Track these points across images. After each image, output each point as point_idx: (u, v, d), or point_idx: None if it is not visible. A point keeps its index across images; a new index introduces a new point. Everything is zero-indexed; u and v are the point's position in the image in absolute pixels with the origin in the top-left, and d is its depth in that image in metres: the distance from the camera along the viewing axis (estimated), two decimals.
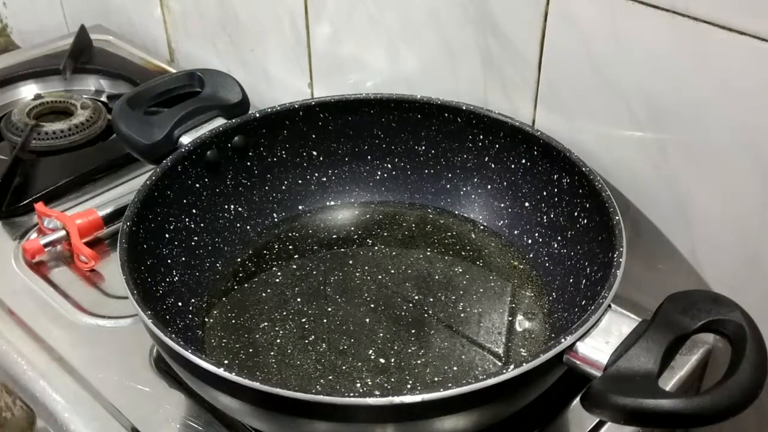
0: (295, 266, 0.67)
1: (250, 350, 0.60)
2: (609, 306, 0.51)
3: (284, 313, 0.63)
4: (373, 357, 0.59)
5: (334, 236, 0.71)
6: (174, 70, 0.96)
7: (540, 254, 0.66)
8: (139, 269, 0.57)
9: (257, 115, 0.70)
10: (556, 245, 0.65)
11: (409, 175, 0.73)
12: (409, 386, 0.56)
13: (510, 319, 0.62)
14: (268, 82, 0.91)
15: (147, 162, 0.69)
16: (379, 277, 0.66)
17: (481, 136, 0.69)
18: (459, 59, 0.71)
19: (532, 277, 0.65)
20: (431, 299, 0.64)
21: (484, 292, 0.64)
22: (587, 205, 0.61)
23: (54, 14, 1.22)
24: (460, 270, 0.66)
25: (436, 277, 0.66)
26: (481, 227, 0.71)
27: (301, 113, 0.71)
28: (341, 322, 0.62)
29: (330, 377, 0.57)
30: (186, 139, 0.68)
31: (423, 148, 0.72)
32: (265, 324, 0.62)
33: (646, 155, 0.61)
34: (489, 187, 0.70)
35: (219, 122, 0.70)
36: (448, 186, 0.72)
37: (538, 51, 0.64)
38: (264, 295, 0.65)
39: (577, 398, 0.50)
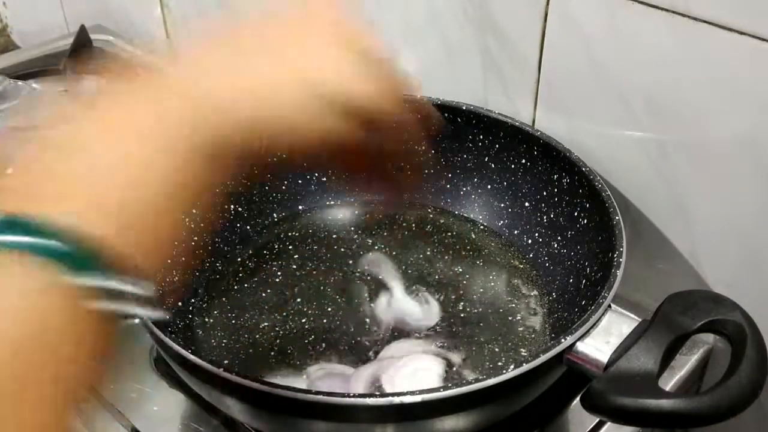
0: (295, 266, 0.67)
1: (250, 350, 0.60)
2: (609, 306, 0.51)
3: (284, 313, 0.63)
4: (373, 357, 0.59)
5: (334, 236, 0.71)
6: None
7: (540, 254, 0.66)
8: None
9: None
10: (556, 245, 0.65)
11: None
12: None
13: (510, 319, 0.62)
14: None
15: None
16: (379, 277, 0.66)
17: (481, 136, 0.69)
18: (459, 59, 0.71)
19: (532, 277, 0.65)
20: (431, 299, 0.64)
21: (484, 292, 0.64)
22: (587, 205, 0.61)
23: (54, 14, 1.22)
24: (460, 270, 0.66)
25: (436, 277, 0.66)
26: (481, 227, 0.71)
27: None
28: (341, 322, 0.62)
29: None
30: None
31: (423, 148, 0.72)
32: (265, 324, 0.62)
33: (646, 155, 0.61)
34: (489, 187, 0.70)
35: None
36: (448, 186, 0.72)
37: (538, 51, 0.64)
38: (264, 295, 0.65)
39: (577, 398, 0.50)
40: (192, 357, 0.48)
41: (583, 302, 0.57)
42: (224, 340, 0.60)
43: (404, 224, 0.71)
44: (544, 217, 0.66)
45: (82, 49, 1.02)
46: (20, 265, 0.28)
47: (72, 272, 0.28)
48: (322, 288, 0.65)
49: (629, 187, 0.64)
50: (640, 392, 0.45)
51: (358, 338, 0.60)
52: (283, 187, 0.73)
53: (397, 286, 0.65)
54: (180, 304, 0.62)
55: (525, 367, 0.46)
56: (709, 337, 0.63)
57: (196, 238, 0.69)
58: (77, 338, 0.29)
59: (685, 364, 0.62)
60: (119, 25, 1.10)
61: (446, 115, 0.70)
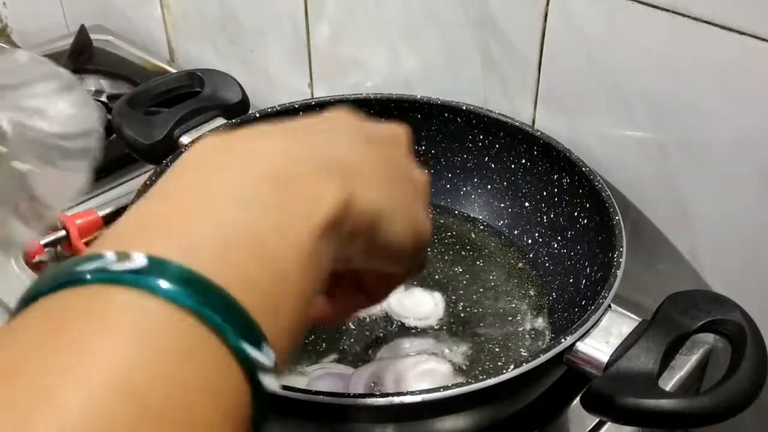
0: None
1: None
2: (609, 306, 0.51)
3: None
4: (373, 357, 0.59)
5: None
6: (174, 70, 0.96)
7: (540, 254, 0.66)
8: None
9: (257, 115, 0.70)
10: (556, 245, 0.65)
11: None
12: None
13: (510, 318, 0.62)
14: (268, 82, 0.91)
15: (147, 162, 0.69)
16: None
17: (481, 136, 0.69)
18: (459, 59, 0.71)
19: (532, 277, 0.65)
20: None
21: (484, 293, 0.64)
22: (587, 205, 0.61)
23: (54, 14, 1.22)
24: (460, 270, 0.66)
25: (436, 277, 0.66)
26: (482, 227, 0.71)
27: (301, 113, 0.71)
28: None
29: None
30: (186, 139, 0.68)
31: (423, 148, 0.72)
32: None
33: (646, 155, 0.61)
34: (489, 186, 0.70)
35: (219, 122, 0.70)
36: (448, 186, 0.72)
37: (538, 51, 0.64)
38: None
39: (577, 398, 0.50)
40: None
41: (583, 302, 0.57)
42: None
43: None
44: (544, 217, 0.66)
45: (82, 49, 1.02)
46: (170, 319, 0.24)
47: (238, 339, 0.25)
48: None
49: (629, 187, 0.64)
50: (640, 392, 0.45)
51: (358, 338, 0.60)
52: None
53: None
54: None
55: (525, 367, 0.46)
56: (709, 337, 0.63)
57: None
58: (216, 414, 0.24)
59: (685, 364, 0.62)
60: (119, 25, 1.10)
61: (446, 115, 0.70)
